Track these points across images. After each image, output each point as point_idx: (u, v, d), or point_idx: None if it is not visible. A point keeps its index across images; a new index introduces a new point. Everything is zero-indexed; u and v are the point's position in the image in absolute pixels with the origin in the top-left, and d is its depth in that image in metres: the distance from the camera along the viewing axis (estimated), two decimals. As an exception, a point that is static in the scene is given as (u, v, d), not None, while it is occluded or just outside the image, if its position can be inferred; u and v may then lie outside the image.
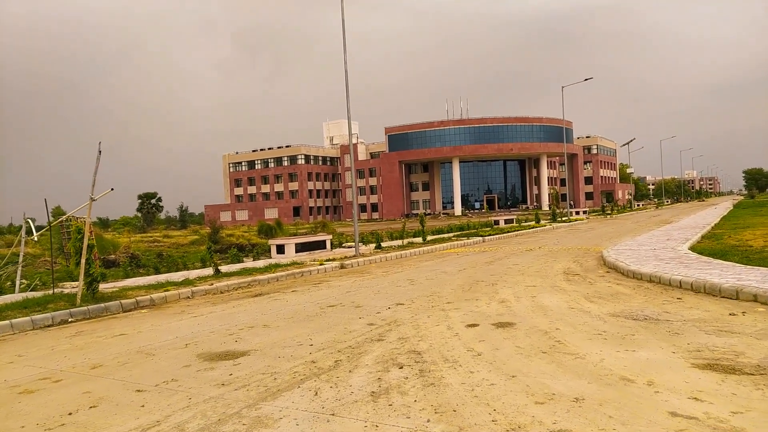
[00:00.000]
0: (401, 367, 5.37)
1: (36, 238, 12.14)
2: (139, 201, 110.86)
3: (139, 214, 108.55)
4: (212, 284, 11.81)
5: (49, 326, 8.72)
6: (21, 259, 12.30)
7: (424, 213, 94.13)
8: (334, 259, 16.31)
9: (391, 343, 6.37)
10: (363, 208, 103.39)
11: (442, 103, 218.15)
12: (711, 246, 14.77)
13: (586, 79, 41.30)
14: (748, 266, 10.13)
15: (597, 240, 21.40)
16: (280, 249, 18.50)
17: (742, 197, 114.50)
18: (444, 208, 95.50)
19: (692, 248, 14.40)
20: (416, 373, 5.15)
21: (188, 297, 11.04)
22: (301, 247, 19.02)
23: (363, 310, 8.59)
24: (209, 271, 14.14)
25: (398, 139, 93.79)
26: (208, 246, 14.27)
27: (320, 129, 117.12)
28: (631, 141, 79.35)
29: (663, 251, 13.75)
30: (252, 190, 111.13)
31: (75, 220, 17.25)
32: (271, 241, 19.53)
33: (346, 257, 17.00)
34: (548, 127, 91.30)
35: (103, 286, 12.41)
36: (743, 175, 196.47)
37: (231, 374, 5.45)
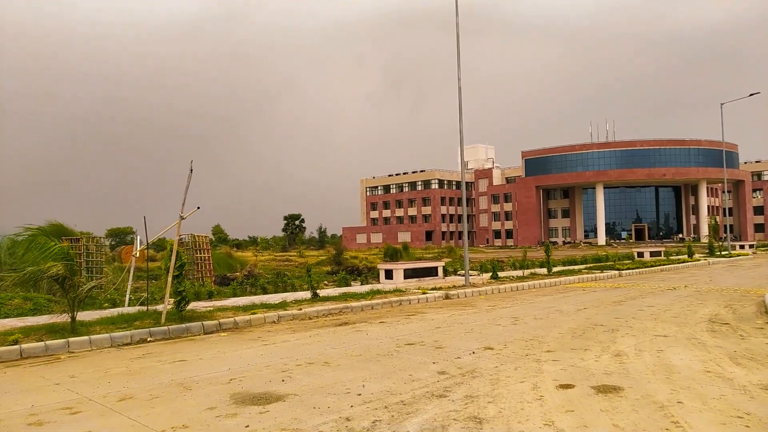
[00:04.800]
0: (448, 441, 4.16)
1: (137, 254, 12.52)
2: (285, 222, 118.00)
3: (284, 234, 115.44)
4: (301, 309, 11.27)
5: (127, 344, 8.62)
6: (131, 273, 12.74)
7: (564, 242, 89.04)
8: (440, 288, 15.15)
9: (453, 402, 5.15)
10: (497, 234, 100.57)
11: (585, 127, 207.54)
12: None
13: (751, 94, 36.10)
14: None
15: (762, 280, 17.96)
16: (389, 274, 17.73)
17: None
18: (586, 236, 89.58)
19: None
20: (461, 454, 3.91)
21: (274, 321, 10.56)
22: (411, 273, 18.10)
23: (442, 353, 7.39)
24: (310, 294, 13.71)
25: (536, 163, 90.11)
26: (308, 269, 13.87)
27: (455, 154, 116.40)
28: (814, 166, 68.51)
29: None
30: (387, 213, 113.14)
31: (196, 237, 17.96)
32: (380, 266, 18.85)
33: (454, 286, 15.76)
34: (708, 150, 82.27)
35: (204, 305, 12.48)
36: None
37: (248, 426, 4.61)
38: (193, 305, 11.67)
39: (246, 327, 10.11)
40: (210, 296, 14.37)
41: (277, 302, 12.40)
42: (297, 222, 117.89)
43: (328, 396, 5.45)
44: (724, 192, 55.64)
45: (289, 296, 14.00)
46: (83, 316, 10.20)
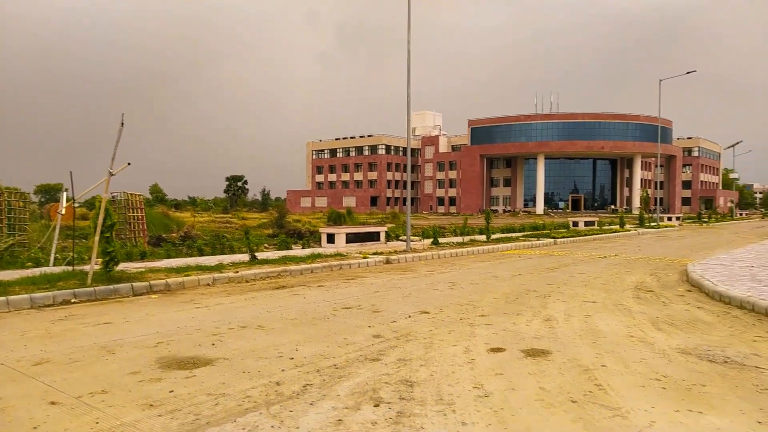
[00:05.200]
0: (377, 405, 4.14)
1: (62, 211, 11.86)
2: (227, 183, 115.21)
3: (226, 196, 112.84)
4: (238, 272, 11.01)
5: (49, 305, 8.17)
6: (57, 231, 12.07)
7: (504, 210, 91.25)
8: (381, 253, 15.18)
9: (386, 366, 5.15)
10: (441, 201, 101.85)
11: (531, 98, 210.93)
12: (826, 268, 12.29)
13: (688, 72, 37.48)
14: None
15: (685, 251, 18.94)
16: (331, 238, 17.60)
17: None
18: (525, 205, 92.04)
19: (802, 269, 12.03)
20: (390, 418, 3.90)
21: (208, 284, 10.29)
22: (353, 238, 18.03)
23: (378, 317, 7.39)
24: (248, 257, 13.43)
25: (481, 132, 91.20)
26: (246, 231, 13.55)
27: (405, 120, 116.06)
28: (737, 144, 72.51)
29: (762, 270, 11.54)
30: (332, 177, 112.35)
31: (129, 195, 17.21)
32: (321, 230, 18.68)
33: (395, 251, 15.82)
34: (644, 125, 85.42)
35: (135, 266, 12.01)
36: None
37: (172, 391, 4.44)
38: (123, 266, 11.22)
39: (179, 289, 9.80)
40: (142, 257, 13.86)
41: (213, 264, 12.08)
42: (240, 184, 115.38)
43: (259, 360, 5.34)
44: (657, 166, 58.11)
45: (227, 259, 13.68)
46: (2, 275, 9.64)
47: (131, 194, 17.24)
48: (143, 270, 11.03)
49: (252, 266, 12.00)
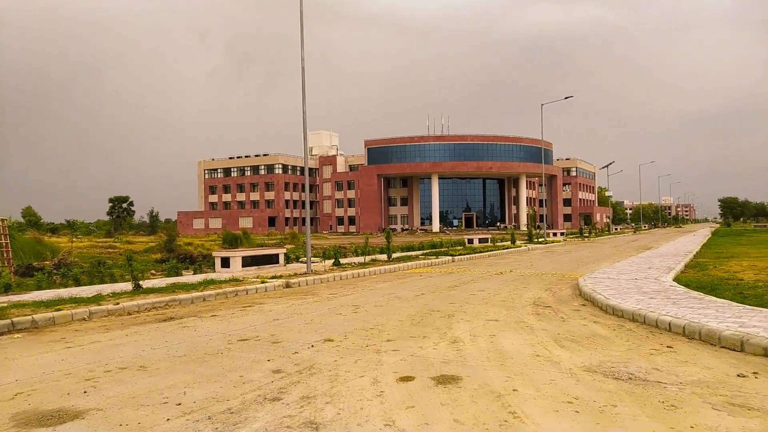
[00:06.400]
0: (279, 455, 3.66)
1: None
2: (110, 205, 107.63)
3: (109, 219, 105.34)
4: (119, 303, 9.96)
5: None
6: None
7: (402, 228, 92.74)
8: (281, 277, 14.53)
9: (288, 406, 4.65)
10: (340, 221, 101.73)
11: (423, 120, 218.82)
12: (698, 277, 13.33)
13: (566, 98, 40.28)
14: (746, 306, 8.62)
15: (573, 265, 19.93)
16: (225, 262, 16.65)
17: (718, 225, 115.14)
18: (422, 224, 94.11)
19: (677, 279, 12.94)
20: (294, 470, 3.43)
21: (84, 319, 9.18)
22: (250, 261, 17.20)
23: (279, 348, 6.85)
24: (131, 285, 12.27)
25: (378, 152, 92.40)
26: (128, 257, 12.40)
27: (302, 139, 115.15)
28: (610, 164, 78.91)
29: (645, 282, 12.26)
30: (227, 198, 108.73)
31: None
32: (215, 253, 17.66)
33: (295, 274, 15.23)
34: (528, 147, 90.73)
35: (-4, 300, 10.54)
36: (719, 203, 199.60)
37: (28, 457, 3.69)
38: (-20, 301, 9.81)
39: (48, 326, 8.64)
40: (6, 290, 12.28)
41: (90, 296, 10.89)
42: (125, 205, 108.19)
43: (140, 408, 4.64)
44: (540, 185, 61.78)
45: (107, 288, 12.45)
46: None
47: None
48: (6, 305, 9.67)
49: (136, 296, 10.94)
